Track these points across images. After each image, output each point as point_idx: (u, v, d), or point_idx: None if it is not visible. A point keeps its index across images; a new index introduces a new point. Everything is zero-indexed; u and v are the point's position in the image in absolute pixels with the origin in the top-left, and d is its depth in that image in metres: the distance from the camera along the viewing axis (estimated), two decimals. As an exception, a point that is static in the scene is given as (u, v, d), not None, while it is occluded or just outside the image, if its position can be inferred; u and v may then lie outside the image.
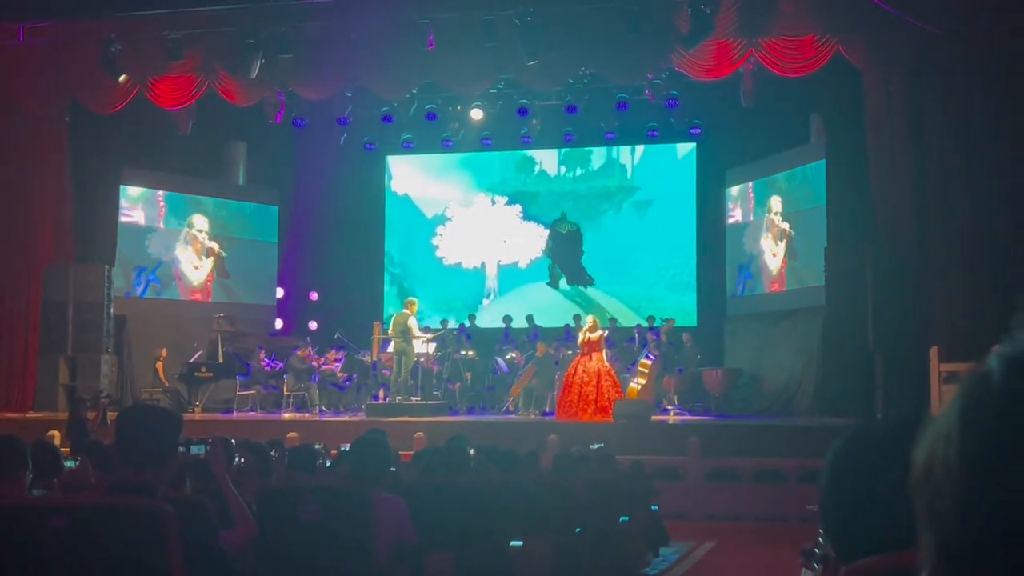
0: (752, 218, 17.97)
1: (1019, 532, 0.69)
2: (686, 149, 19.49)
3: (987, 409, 0.73)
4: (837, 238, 14.97)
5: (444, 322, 18.53)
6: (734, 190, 18.42)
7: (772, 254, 17.43)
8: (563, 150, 19.96)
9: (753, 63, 14.35)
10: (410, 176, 20.97)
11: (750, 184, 18.08)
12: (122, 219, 17.76)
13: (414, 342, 15.63)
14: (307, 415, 15.90)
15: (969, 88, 13.13)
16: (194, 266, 18.99)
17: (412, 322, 15.55)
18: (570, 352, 16.06)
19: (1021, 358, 0.73)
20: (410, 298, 16.37)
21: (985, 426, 0.73)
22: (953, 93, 13.24)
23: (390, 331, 16.06)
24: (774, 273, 17.42)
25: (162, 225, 18.73)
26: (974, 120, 13.10)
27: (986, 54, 13.00)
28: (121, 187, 17.68)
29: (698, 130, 18.22)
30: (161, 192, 18.69)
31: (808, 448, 11.62)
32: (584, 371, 14.62)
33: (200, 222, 19.06)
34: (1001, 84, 12.99)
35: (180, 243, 18.89)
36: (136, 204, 18.36)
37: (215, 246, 19.17)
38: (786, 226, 17.15)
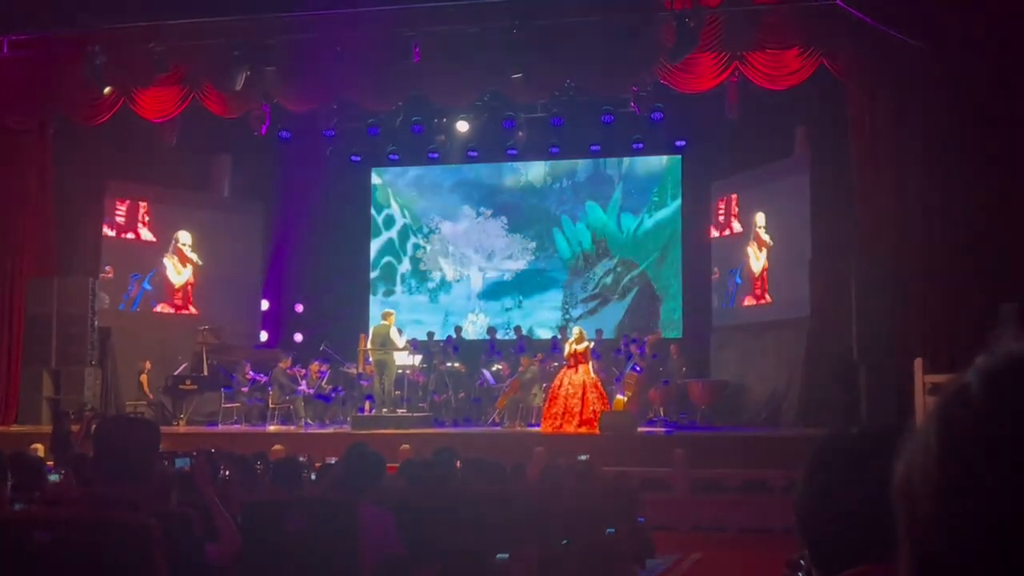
0: (737, 230, 18.01)
1: (997, 544, 0.70)
2: (671, 161, 19.56)
3: (965, 422, 0.74)
4: (821, 250, 15.03)
5: (430, 334, 18.56)
6: (719, 202, 18.47)
7: (757, 263, 17.43)
8: (549, 162, 20.00)
9: (737, 76, 14.40)
10: (396, 188, 20.97)
11: (735, 196, 18.13)
12: (114, 230, 17.80)
13: (396, 354, 15.64)
14: (292, 428, 15.85)
15: (952, 101, 13.20)
16: (177, 272, 18.95)
17: (394, 333, 15.57)
18: (556, 364, 16.06)
19: (998, 371, 0.75)
20: (387, 310, 16.45)
21: (963, 439, 0.74)
22: (936, 106, 13.31)
23: (369, 343, 16.06)
24: (759, 282, 17.41)
25: (150, 237, 18.70)
26: (957, 133, 13.17)
27: (969, 68, 13.08)
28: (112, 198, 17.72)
29: (683, 142, 18.31)
30: (148, 204, 18.66)
31: (793, 459, 11.58)
32: (570, 383, 14.62)
33: (184, 236, 19.01)
34: (984, 98, 13.07)
35: (167, 253, 18.86)
36: (125, 215, 18.34)
37: (196, 258, 19.10)
38: (768, 238, 17.20)
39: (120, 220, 18.32)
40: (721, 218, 18.32)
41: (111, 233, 17.99)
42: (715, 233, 18.47)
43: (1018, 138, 12.79)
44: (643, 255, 19.72)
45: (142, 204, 18.62)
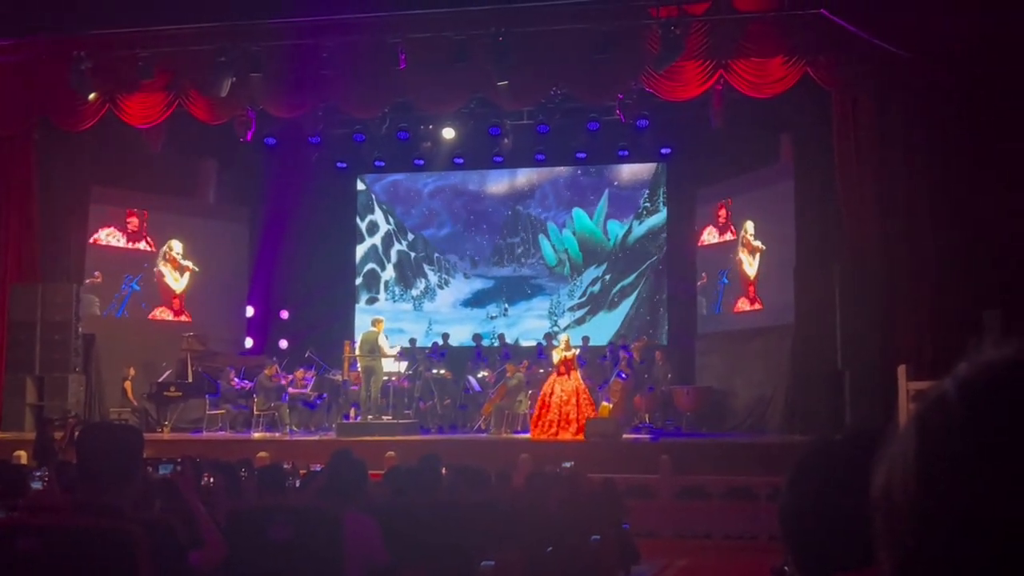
0: (723, 238, 18.05)
1: (974, 552, 0.71)
2: (657, 169, 19.60)
3: (943, 430, 0.75)
4: (806, 257, 15.07)
5: (413, 340, 18.53)
6: (704, 209, 18.50)
7: (750, 268, 17.39)
8: (535, 169, 20.02)
9: (722, 84, 14.46)
10: (381, 195, 20.95)
11: (721, 204, 18.17)
12: (101, 237, 17.75)
13: (383, 360, 15.62)
14: (277, 434, 15.81)
15: (935, 109, 13.28)
16: (175, 279, 18.92)
17: (382, 340, 15.56)
18: (542, 371, 16.06)
19: (976, 380, 0.75)
20: (377, 317, 16.43)
21: (941, 447, 0.74)
22: (919, 114, 13.39)
23: (357, 350, 16.04)
24: (752, 287, 17.36)
25: (141, 244, 18.67)
26: (941, 141, 13.24)
27: (953, 77, 13.16)
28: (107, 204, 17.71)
29: (668, 150, 18.34)
30: (140, 211, 18.64)
31: (778, 466, 11.63)
32: (562, 390, 14.61)
33: (176, 245, 18.96)
34: (967, 106, 13.15)
35: (160, 260, 18.81)
36: (116, 220, 18.31)
37: (191, 264, 19.06)
38: (758, 244, 17.23)
39: (133, 230, 18.32)
40: (722, 222, 18.25)
41: (122, 243, 18.07)
42: (708, 239, 18.37)
43: (1002, 145, 12.87)
44: (633, 263, 19.74)
45: (145, 213, 18.59)
